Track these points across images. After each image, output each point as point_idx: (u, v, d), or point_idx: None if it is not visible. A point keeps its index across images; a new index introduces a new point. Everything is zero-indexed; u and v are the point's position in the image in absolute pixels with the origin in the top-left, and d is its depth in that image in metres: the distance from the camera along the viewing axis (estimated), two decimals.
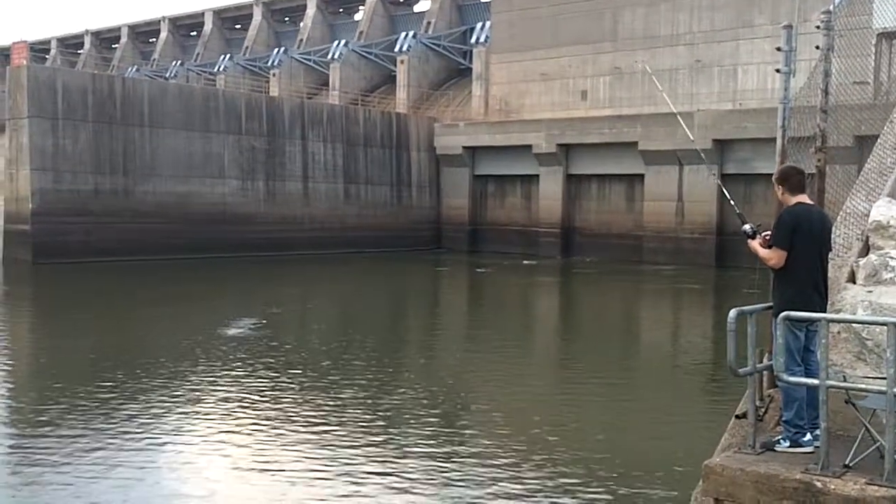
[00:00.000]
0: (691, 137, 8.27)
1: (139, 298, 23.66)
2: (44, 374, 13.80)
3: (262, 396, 12.06)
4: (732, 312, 5.16)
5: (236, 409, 11.35)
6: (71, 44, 78.06)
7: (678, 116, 9.08)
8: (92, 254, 31.05)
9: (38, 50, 75.94)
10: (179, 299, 23.76)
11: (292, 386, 12.82)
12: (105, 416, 10.78)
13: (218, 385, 12.71)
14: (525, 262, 36.50)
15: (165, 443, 9.77)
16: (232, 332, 17.39)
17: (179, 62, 66.74)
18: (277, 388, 12.63)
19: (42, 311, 22.47)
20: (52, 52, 77.59)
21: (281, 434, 10.21)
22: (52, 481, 8.42)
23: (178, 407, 11.36)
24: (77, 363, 14.47)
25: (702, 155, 7.98)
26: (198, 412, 11.19)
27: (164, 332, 17.86)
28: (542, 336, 20.21)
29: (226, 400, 11.83)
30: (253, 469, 8.95)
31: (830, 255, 5.96)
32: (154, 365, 13.94)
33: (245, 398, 11.93)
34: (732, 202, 6.95)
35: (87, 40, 75.31)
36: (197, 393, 12.20)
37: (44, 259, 30.34)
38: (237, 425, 10.61)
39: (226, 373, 13.55)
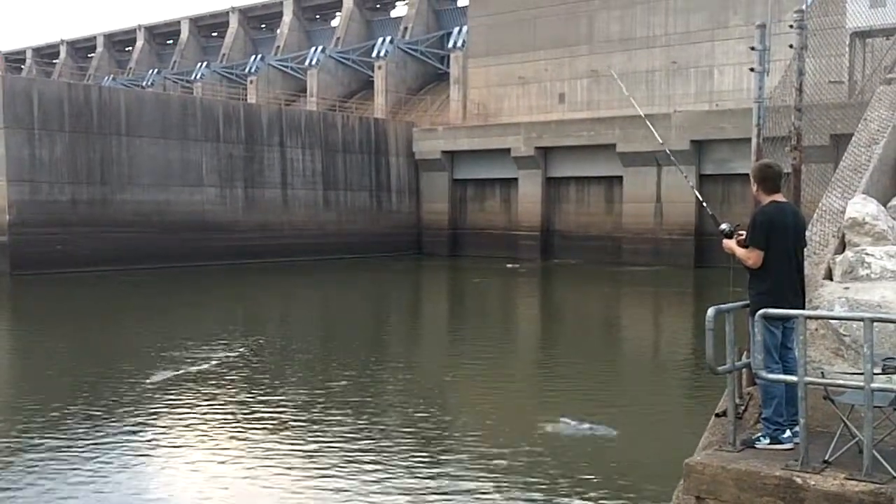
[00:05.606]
0: (660, 141, 8.30)
1: (118, 310, 23.45)
2: (15, 390, 13.65)
3: (247, 408, 12.00)
4: (710, 311, 5.17)
5: (218, 424, 11.28)
6: (46, 53, 77.44)
7: (647, 120, 9.11)
8: (70, 264, 30.79)
9: (13, 60, 75.35)
10: (159, 310, 23.56)
11: (271, 404, 12.74)
12: (80, 431, 10.68)
13: (197, 404, 12.62)
14: (508, 265, 36.51)
15: (142, 464, 9.67)
16: (211, 346, 17.27)
17: (156, 70, 66.34)
18: (260, 399, 12.56)
19: (16, 324, 22.21)
20: (28, 62, 76.94)
21: (263, 448, 10.16)
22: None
23: (152, 426, 11.26)
24: (51, 379, 14.32)
25: (672, 158, 7.97)
26: (173, 432, 11.09)
27: (143, 346, 17.66)
28: (526, 339, 20.22)
29: (205, 418, 11.75)
30: (236, 481, 8.90)
31: (807, 252, 5.99)
32: (131, 379, 13.82)
33: (228, 411, 11.86)
34: (705, 204, 6.98)
35: (63, 50, 74.75)
36: (171, 414, 12.09)
37: (22, 270, 30.03)
38: (220, 442, 10.54)
39: (205, 389, 13.45)
